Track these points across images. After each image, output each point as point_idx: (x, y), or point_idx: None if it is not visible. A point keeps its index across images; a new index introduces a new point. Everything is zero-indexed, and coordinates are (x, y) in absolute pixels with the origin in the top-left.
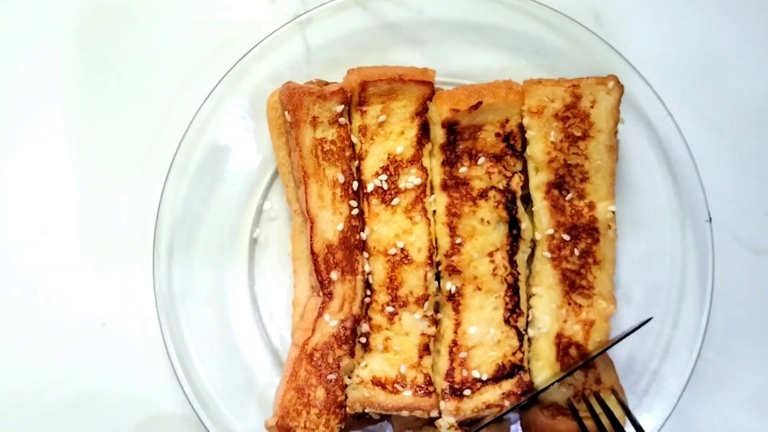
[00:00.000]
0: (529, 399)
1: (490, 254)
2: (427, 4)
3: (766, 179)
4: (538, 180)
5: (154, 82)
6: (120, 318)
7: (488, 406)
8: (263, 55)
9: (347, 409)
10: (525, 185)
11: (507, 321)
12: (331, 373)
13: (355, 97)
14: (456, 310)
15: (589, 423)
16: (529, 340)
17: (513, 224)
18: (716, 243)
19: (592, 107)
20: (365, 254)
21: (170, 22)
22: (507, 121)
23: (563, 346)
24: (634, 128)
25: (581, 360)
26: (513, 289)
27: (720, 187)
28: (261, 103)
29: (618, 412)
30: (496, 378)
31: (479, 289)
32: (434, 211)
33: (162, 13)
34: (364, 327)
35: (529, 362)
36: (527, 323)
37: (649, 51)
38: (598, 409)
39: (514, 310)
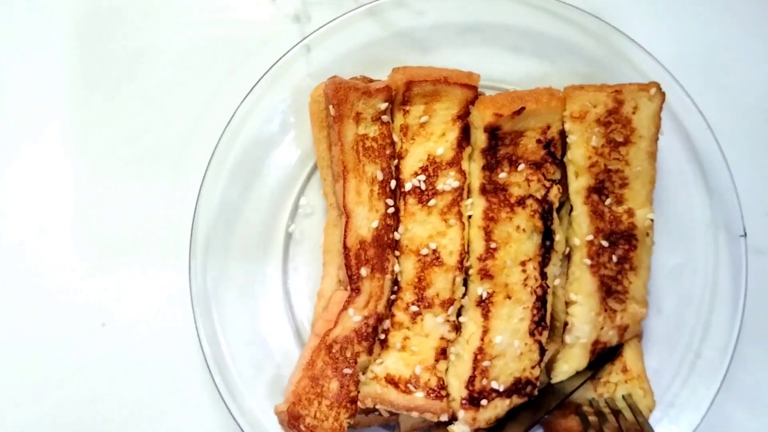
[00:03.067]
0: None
1: (523, 263)
2: (469, 9)
3: (766, 180)
4: (578, 185)
5: (154, 82)
6: (120, 318)
7: (498, 419)
8: (306, 52)
9: (358, 403)
10: (562, 195)
11: (532, 333)
12: (347, 367)
13: (399, 96)
14: (485, 317)
15: (593, 419)
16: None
17: (546, 236)
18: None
19: (634, 113)
20: (396, 252)
21: (170, 23)
22: (548, 127)
23: (597, 351)
24: (672, 139)
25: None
26: (541, 301)
27: None
28: (302, 99)
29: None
30: (509, 391)
31: (509, 297)
32: (469, 216)
33: (162, 14)
34: (385, 323)
35: (554, 362)
36: (564, 329)
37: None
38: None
39: (540, 323)
